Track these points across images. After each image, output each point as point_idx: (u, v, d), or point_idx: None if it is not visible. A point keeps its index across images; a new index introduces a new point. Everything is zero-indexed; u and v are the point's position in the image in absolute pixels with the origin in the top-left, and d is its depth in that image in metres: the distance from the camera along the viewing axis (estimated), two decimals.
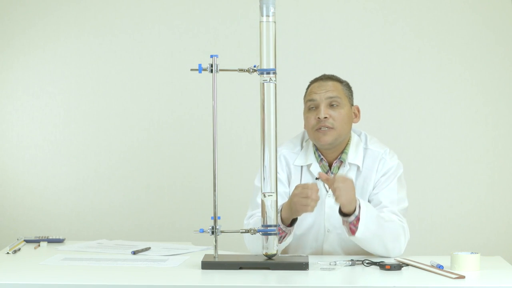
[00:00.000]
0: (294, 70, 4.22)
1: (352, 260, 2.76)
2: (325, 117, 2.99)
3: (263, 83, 2.73)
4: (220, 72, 2.75)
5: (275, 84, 2.74)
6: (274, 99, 2.74)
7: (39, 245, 3.18)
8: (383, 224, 2.86)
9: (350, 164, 3.05)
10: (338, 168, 3.06)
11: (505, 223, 4.26)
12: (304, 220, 3.05)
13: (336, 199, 2.80)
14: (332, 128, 3.00)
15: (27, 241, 3.25)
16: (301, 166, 3.09)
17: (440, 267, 2.65)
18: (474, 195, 4.26)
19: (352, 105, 3.09)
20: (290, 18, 4.25)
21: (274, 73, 2.73)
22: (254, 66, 2.74)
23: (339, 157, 3.06)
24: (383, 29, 4.26)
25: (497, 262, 2.82)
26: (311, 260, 2.74)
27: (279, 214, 2.86)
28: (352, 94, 3.12)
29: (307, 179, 3.07)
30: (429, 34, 4.25)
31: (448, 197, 4.26)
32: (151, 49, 4.31)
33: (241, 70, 2.76)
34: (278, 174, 2.90)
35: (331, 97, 3.02)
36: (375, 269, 2.69)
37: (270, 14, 2.73)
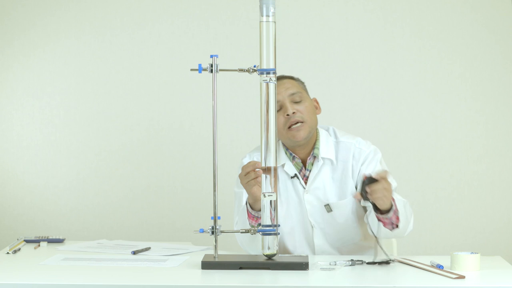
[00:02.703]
0: (294, 70, 4.21)
1: (352, 260, 2.77)
2: (293, 112, 2.99)
3: (263, 83, 2.73)
4: (220, 72, 2.75)
5: (275, 84, 2.74)
6: (274, 99, 2.74)
7: (39, 245, 3.18)
8: (406, 208, 2.88)
9: (323, 158, 3.05)
10: (312, 164, 3.06)
11: (505, 223, 4.27)
12: (288, 217, 3.06)
13: (379, 205, 2.80)
14: (302, 122, 3.00)
15: (27, 241, 3.24)
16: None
17: (440, 267, 2.65)
18: (474, 195, 4.26)
19: (310, 98, 3.10)
20: (290, 18, 4.25)
21: (274, 73, 2.73)
22: (254, 66, 2.74)
23: (312, 153, 3.06)
24: (383, 29, 4.26)
25: (497, 262, 2.82)
26: (311, 260, 2.74)
27: (247, 205, 2.90)
28: (306, 87, 3.13)
29: (283, 179, 3.08)
30: (429, 34, 4.25)
31: (448, 197, 4.26)
32: (151, 49, 4.31)
33: (241, 70, 2.76)
34: None
35: (293, 93, 3.02)
36: (375, 269, 2.69)
37: (270, 14, 2.73)
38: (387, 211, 2.83)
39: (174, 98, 4.31)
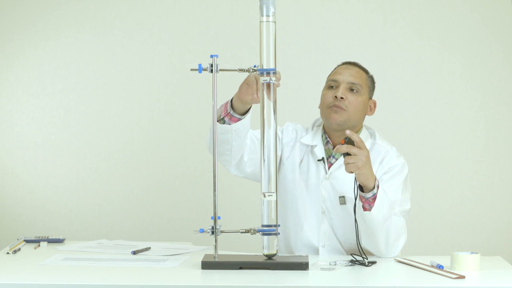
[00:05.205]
0: (294, 70, 4.22)
1: (352, 260, 2.76)
2: (342, 98, 3.02)
3: (263, 83, 2.73)
4: (220, 72, 2.75)
5: (275, 84, 2.74)
6: (274, 99, 2.74)
7: (39, 245, 3.18)
8: (391, 217, 2.86)
9: None
10: (342, 154, 3.05)
11: (505, 223, 4.27)
12: (301, 199, 3.07)
13: (352, 169, 2.78)
14: (344, 110, 3.02)
15: (27, 241, 3.24)
16: (306, 146, 3.10)
17: (440, 267, 2.65)
18: (474, 195, 4.26)
19: (370, 98, 3.13)
20: (290, 18, 4.25)
21: (274, 73, 2.73)
22: (254, 66, 2.74)
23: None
24: (383, 29, 4.26)
25: (497, 262, 2.82)
26: (311, 260, 2.74)
27: (231, 102, 2.91)
28: (374, 88, 3.16)
29: (308, 160, 3.10)
30: (429, 34, 4.25)
31: (448, 197, 4.26)
32: (151, 49, 4.31)
33: (241, 70, 2.76)
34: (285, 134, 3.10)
35: (353, 83, 3.06)
36: (375, 269, 2.69)
37: (270, 14, 2.73)
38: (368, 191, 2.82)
39: (174, 98, 4.31)
